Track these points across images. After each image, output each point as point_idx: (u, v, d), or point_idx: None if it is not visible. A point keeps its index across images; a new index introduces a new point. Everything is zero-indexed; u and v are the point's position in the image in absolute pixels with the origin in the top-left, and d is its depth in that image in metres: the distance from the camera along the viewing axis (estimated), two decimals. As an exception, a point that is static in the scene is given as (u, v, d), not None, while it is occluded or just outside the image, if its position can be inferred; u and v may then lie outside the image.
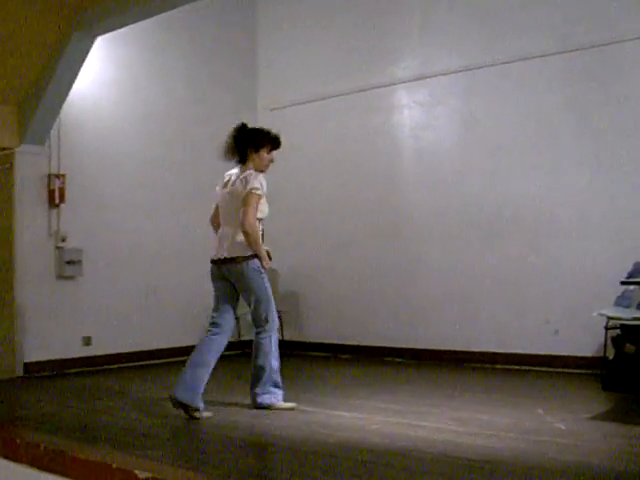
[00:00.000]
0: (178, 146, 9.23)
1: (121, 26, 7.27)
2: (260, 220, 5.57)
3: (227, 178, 5.73)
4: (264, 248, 5.56)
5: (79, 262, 8.08)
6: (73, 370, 7.99)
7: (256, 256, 5.49)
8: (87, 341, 8.20)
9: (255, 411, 5.53)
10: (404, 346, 8.67)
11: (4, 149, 7.81)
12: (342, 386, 6.94)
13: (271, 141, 5.78)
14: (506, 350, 7.97)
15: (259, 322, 5.63)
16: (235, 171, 5.70)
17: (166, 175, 9.07)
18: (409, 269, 8.76)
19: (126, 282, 8.58)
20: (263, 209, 5.58)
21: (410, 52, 8.88)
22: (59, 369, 7.92)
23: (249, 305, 5.64)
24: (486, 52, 8.23)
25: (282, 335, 9.35)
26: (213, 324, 5.71)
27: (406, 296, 8.78)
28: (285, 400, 5.62)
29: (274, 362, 5.58)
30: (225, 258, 5.56)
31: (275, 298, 9.35)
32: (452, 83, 8.53)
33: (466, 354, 8.20)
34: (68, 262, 7.99)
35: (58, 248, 8.02)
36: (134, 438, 4.83)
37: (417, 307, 8.69)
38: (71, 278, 8.09)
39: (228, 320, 5.70)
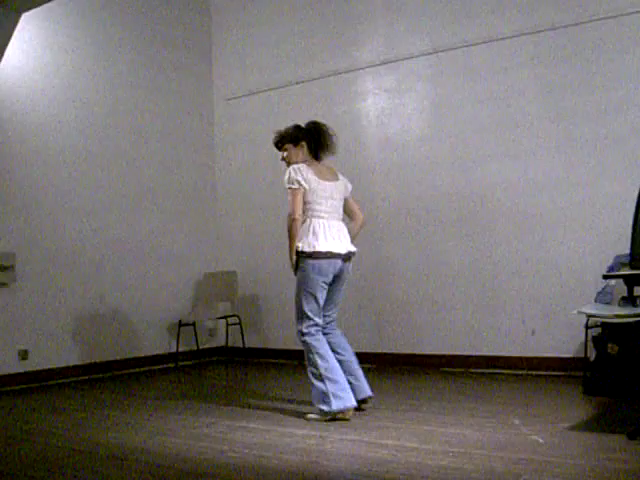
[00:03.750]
0: (126, 138, 8.57)
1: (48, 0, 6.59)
2: None
3: (315, 170, 5.44)
4: None
5: (11, 267, 7.35)
6: (7, 388, 7.27)
7: None
8: (23, 355, 7.47)
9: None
10: (370, 350, 8.09)
11: None
12: (300, 397, 6.31)
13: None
14: (480, 352, 7.48)
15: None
16: (320, 165, 5.55)
17: (113, 170, 8.41)
18: (374, 269, 8.19)
19: (68, 289, 7.87)
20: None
21: (374, 35, 8.34)
22: (-8, 386, 7.21)
23: (338, 303, 5.53)
24: (454, 33, 7.73)
25: (243, 342, 8.79)
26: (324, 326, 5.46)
27: (370, 297, 8.23)
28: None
29: None
30: (351, 251, 5.44)
31: (234, 300, 9.02)
32: (419, 67, 8.01)
33: (436, 357, 7.71)
34: (-1, 268, 7.28)
35: (-14, 253, 7.30)
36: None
37: (383, 308, 8.15)
38: (3, 285, 7.35)
39: None
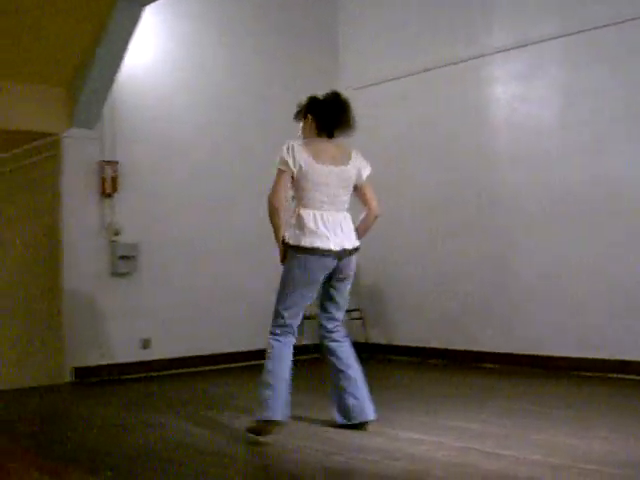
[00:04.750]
0: (249, 131, 8.46)
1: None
2: None
3: (314, 151, 4.65)
4: None
5: (134, 257, 7.40)
6: (129, 376, 7.32)
7: None
8: (146, 344, 7.51)
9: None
10: (499, 350, 7.68)
11: (51, 134, 7.20)
12: (420, 398, 6.03)
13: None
14: (618, 357, 6.85)
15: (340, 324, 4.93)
16: (327, 144, 4.73)
17: (235, 163, 8.31)
18: (504, 262, 7.75)
19: (186, 280, 7.83)
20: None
21: (502, 18, 7.87)
22: (113, 375, 7.26)
23: (341, 305, 4.90)
24: (588, 14, 7.15)
25: (366, 337, 8.56)
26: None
27: (501, 293, 7.78)
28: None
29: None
30: (347, 249, 4.65)
31: (355, 294, 8.78)
32: (551, 50, 7.47)
33: (569, 361, 7.14)
34: (122, 257, 7.31)
35: (111, 242, 7.34)
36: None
37: (513, 306, 7.67)
38: (125, 275, 7.41)
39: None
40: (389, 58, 8.91)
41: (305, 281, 4.59)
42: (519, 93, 7.74)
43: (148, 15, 7.09)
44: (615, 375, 6.77)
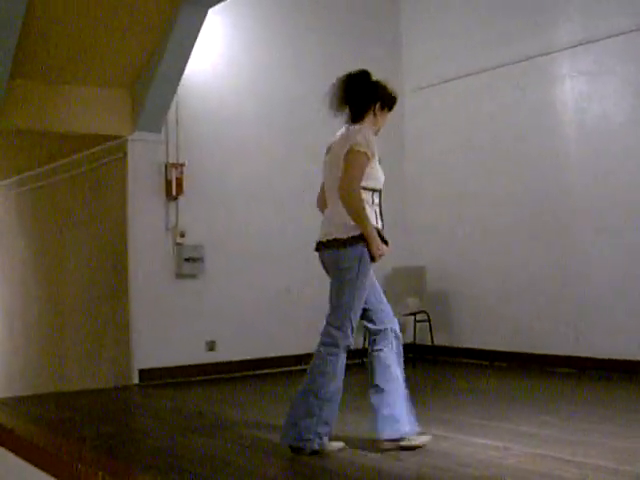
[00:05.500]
0: (315, 132, 8.37)
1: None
2: (374, 192, 4.26)
3: (331, 142, 4.42)
4: (374, 226, 4.19)
5: (200, 259, 7.42)
6: (195, 378, 7.34)
7: (361, 238, 4.16)
8: (211, 346, 7.52)
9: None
10: (569, 354, 7.47)
11: (116, 137, 7.27)
12: (489, 402, 5.88)
13: (393, 101, 4.46)
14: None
15: (330, 329, 4.24)
16: (342, 131, 4.38)
17: (301, 165, 8.23)
18: (574, 264, 7.53)
19: (253, 281, 7.83)
20: (376, 175, 4.26)
21: (570, 13, 7.65)
22: (179, 377, 7.29)
23: (332, 299, 4.25)
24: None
25: (432, 340, 8.42)
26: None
27: (571, 295, 7.56)
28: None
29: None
30: (321, 242, 4.29)
31: (422, 296, 8.66)
32: (621, 47, 7.23)
33: (631, 364, 6.93)
34: (188, 259, 7.34)
35: (177, 244, 7.37)
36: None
37: (584, 309, 7.45)
38: (191, 277, 7.44)
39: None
40: (454, 57, 8.75)
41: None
42: (587, 91, 7.53)
43: (211, 16, 7.09)
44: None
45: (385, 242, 4.23)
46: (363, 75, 4.39)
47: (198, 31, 6.81)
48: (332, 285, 4.26)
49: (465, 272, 8.55)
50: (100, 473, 3.93)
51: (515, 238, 8.07)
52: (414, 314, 8.50)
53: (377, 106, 4.35)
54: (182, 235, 7.37)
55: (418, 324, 8.63)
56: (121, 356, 7.19)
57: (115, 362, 7.28)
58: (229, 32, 7.92)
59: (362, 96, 4.34)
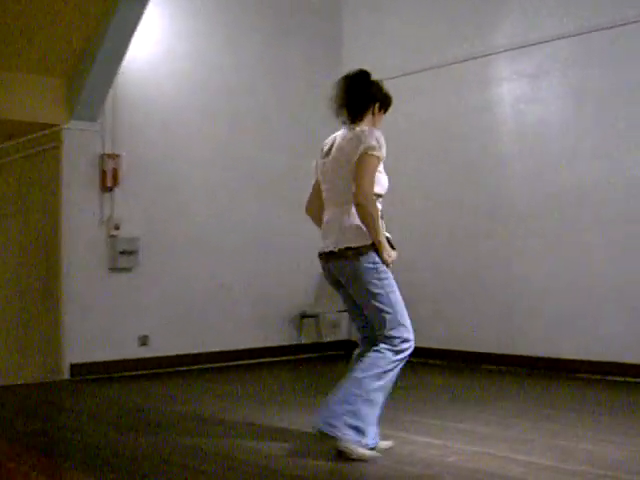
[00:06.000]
0: (252, 125, 8.35)
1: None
2: (378, 197, 4.10)
3: (329, 144, 4.29)
4: (384, 234, 4.09)
5: (135, 252, 7.27)
6: (127, 373, 7.20)
7: (373, 247, 4.04)
8: (144, 341, 7.39)
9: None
10: (500, 352, 7.59)
11: (51, 125, 7.06)
12: (423, 400, 5.91)
13: (390, 102, 4.35)
14: (619, 359, 6.78)
15: (383, 334, 4.08)
16: (340, 132, 4.28)
17: (238, 156, 8.20)
18: (507, 265, 7.65)
19: (189, 275, 7.73)
20: (382, 180, 4.14)
21: (511, 16, 7.75)
22: (111, 372, 7.14)
23: (367, 314, 4.16)
24: (601, 14, 7.02)
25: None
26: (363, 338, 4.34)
27: (503, 295, 7.69)
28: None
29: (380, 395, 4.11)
30: (331, 252, 4.11)
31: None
32: (561, 50, 7.35)
33: (572, 363, 7.07)
34: (122, 252, 7.19)
35: (111, 237, 7.22)
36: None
37: (515, 307, 7.58)
38: (126, 270, 7.29)
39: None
40: (393, 56, 8.75)
41: (332, 287, 4.32)
42: (526, 93, 7.63)
43: (152, 7, 6.98)
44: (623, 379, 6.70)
45: (393, 248, 4.16)
46: (363, 75, 4.29)
47: (138, 21, 6.69)
48: (358, 295, 4.13)
49: (400, 269, 8.56)
50: (33, 473, 3.81)
51: (447, 240, 8.14)
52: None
53: (376, 107, 4.28)
54: (117, 227, 7.22)
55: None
56: (52, 350, 6.99)
57: (46, 356, 7.09)
58: (169, 24, 7.79)
59: (362, 96, 4.24)
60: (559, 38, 7.32)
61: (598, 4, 7.10)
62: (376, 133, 4.08)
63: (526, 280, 7.51)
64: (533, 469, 3.79)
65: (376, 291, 4.03)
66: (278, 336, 8.45)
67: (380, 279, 4.04)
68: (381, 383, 4.04)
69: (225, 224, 8.03)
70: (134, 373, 7.24)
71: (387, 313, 4.06)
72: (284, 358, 8.41)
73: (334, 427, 3.89)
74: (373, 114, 4.25)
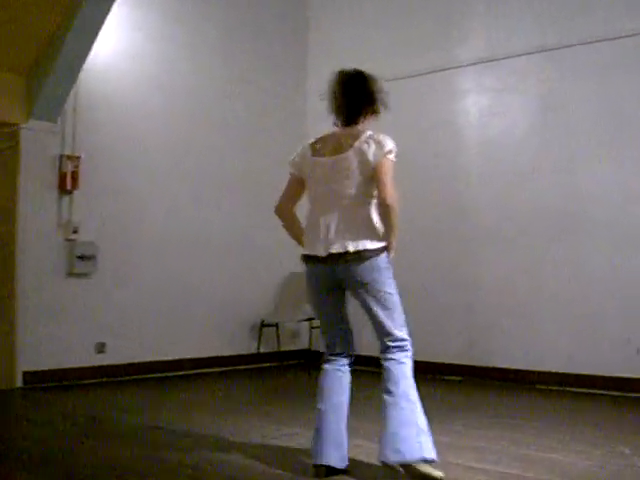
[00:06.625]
0: (213, 130, 8.27)
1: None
2: None
3: (323, 143, 4.11)
4: None
5: (93, 257, 7.10)
6: (83, 382, 7.02)
7: (385, 248, 3.96)
8: (100, 348, 7.22)
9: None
10: (462, 363, 7.65)
11: (9, 124, 6.85)
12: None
13: (385, 104, 4.24)
14: (578, 371, 6.89)
15: (394, 337, 4.07)
16: (337, 132, 4.13)
17: (198, 161, 8.11)
18: (470, 278, 7.70)
19: (148, 281, 7.60)
20: None
21: (477, 30, 7.84)
22: (66, 380, 6.94)
23: (374, 317, 4.04)
24: (565, 31, 7.17)
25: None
26: (334, 355, 4.23)
27: (466, 307, 7.73)
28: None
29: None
30: (340, 254, 3.92)
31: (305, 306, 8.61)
32: (525, 65, 7.46)
33: (531, 374, 7.18)
34: (80, 257, 7.02)
35: (68, 241, 7.04)
36: None
37: (478, 320, 7.64)
38: (83, 275, 7.12)
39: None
40: (359, 66, 8.66)
41: (310, 293, 4.18)
42: (490, 106, 7.70)
43: (114, 5, 6.85)
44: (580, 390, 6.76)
45: None
46: (362, 75, 4.28)
47: (104, 19, 6.57)
48: (366, 300, 4.01)
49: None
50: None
51: (409, 252, 8.08)
52: (310, 319, 8.45)
53: (375, 107, 4.21)
54: (75, 231, 7.05)
55: (314, 330, 8.58)
56: (4, 358, 6.76)
57: (-1, 363, 6.89)
58: (131, 23, 7.64)
59: (362, 96, 4.19)
60: (522, 54, 7.42)
61: (561, 21, 7.22)
62: (387, 136, 4.03)
63: (482, 288, 7.63)
64: (501, 477, 3.78)
65: (390, 290, 3.99)
66: (237, 345, 8.36)
67: (391, 279, 4.01)
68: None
69: (185, 230, 7.93)
70: (91, 381, 7.07)
71: (397, 313, 4.06)
72: (243, 367, 8.32)
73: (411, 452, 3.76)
74: (371, 115, 4.19)
